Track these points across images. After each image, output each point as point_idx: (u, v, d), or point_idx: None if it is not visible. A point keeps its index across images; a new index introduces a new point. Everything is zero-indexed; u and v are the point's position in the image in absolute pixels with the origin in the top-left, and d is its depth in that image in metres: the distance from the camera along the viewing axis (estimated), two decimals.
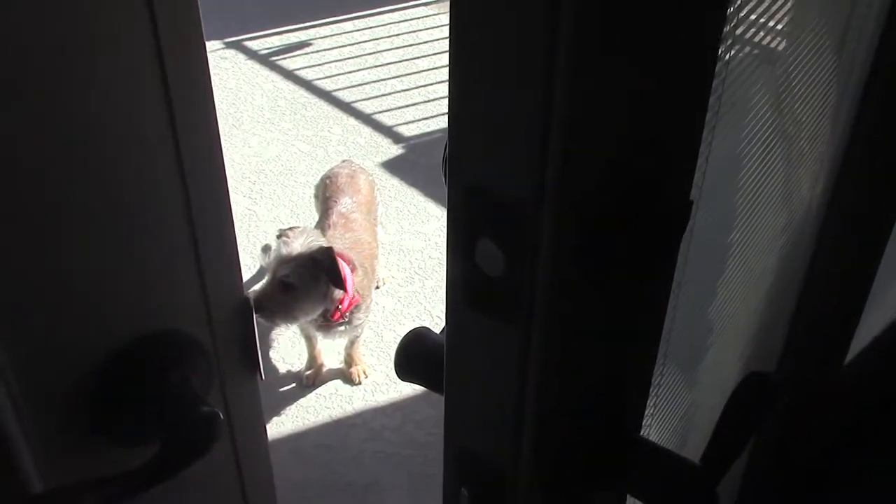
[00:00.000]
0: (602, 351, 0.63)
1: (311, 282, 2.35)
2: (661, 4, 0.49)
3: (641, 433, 1.02)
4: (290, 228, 2.43)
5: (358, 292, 2.50)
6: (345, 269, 2.43)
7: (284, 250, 2.33)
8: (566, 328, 0.57)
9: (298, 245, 2.34)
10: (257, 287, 2.41)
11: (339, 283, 2.36)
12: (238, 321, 0.80)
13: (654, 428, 1.10)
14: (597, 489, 0.69)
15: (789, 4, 0.93)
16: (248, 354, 0.83)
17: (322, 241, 2.42)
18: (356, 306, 2.51)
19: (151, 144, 0.68)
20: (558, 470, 0.65)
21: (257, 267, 3.12)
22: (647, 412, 1.03)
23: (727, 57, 0.78)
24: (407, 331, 0.79)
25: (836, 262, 1.39)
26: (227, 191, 0.74)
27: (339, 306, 2.45)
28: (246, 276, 3.10)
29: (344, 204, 2.69)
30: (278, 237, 2.40)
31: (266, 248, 2.43)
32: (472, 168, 0.52)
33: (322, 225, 2.67)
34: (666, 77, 0.53)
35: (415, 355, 0.76)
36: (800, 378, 1.50)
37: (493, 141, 0.50)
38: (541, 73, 0.45)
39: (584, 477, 0.68)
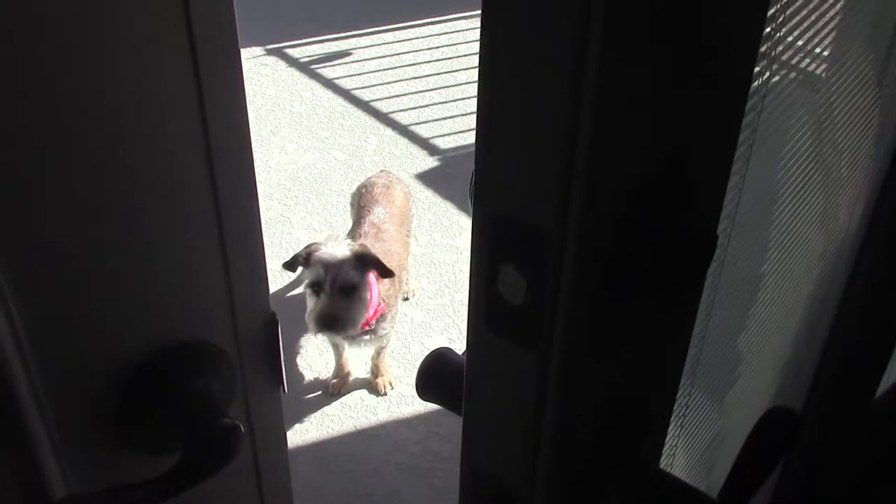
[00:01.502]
0: (621, 381, 0.63)
1: (365, 278, 2.40)
2: (687, 38, 0.49)
3: (667, 458, 1.02)
4: (310, 245, 2.44)
5: (383, 300, 2.51)
6: (370, 278, 2.45)
7: (330, 258, 2.35)
8: (586, 357, 0.57)
9: (340, 252, 2.37)
10: (313, 308, 2.41)
11: (387, 272, 2.40)
12: (263, 334, 0.81)
13: (680, 454, 1.09)
14: None
15: (831, 29, 0.92)
16: (273, 367, 0.84)
17: (353, 244, 2.47)
18: (381, 315, 2.52)
19: (184, 159, 0.69)
20: (572, 497, 0.64)
21: (286, 272, 3.13)
22: (673, 440, 1.02)
23: (763, 91, 0.78)
24: (434, 345, 0.79)
25: (870, 292, 1.37)
26: (258, 203, 0.75)
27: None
28: (279, 282, 3.13)
29: (377, 214, 2.70)
30: (307, 257, 2.40)
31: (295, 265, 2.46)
32: (497, 197, 0.52)
33: (353, 234, 2.69)
34: (693, 109, 0.53)
35: (436, 376, 0.76)
36: (829, 411, 1.47)
37: (519, 171, 0.50)
38: (566, 106, 0.45)
39: None
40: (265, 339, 0.81)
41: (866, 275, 1.31)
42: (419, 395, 0.79)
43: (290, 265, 2.45)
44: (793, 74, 0.96)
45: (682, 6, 0.47)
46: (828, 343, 1.43)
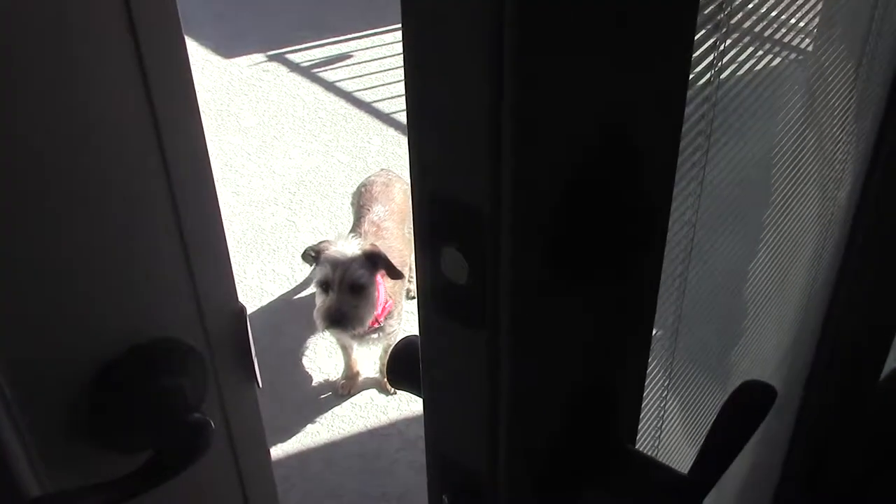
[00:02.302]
0: (576, 358, 0.62)
1: (373, 278, 2.42)
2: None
3: (652, 438, 1.01)
4: (321, 243, 2.46)
5: (390, 297, 2.53)
6: (378, 277, 2.46)
7: (339, 256, 2.36)
8: (534, 335, 0.56)
9: (350, 250, 2.39)
10: (321, 305, 2.43)
11: (396, 273, 2.42)
12: (233, 329, 0.81)
13: (675, 429, 1.07)
14: (580, 499, 0.68)
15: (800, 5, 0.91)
16: (245, 362, 0.84)
17: (363, 243, 2.48)
18: (388, 313, 2.54)
19: (138, 159, 0.69)
20: (537, 480, 0.64)
21: (293, 275, 3.15)
22: (657, 421, 1.01)
23: (718, 65, 0.77)
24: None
25: (867, 272, 1.35)
26: (217, 199, 0.75)
27: None
28: (287, 285, 3.14)
29: (376, 212, 2.71)
30: (316, 255, 2.42)
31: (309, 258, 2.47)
32: (432, 176, 0.52)
33: (354, 233, 2.70)
34: (625, 74, 0.53)
35: (404, 363, 0.76)
36: (832, 395, 1.46)
37: (450, 149, 0.50)
38: (488, 74, 0.45)
39: (566, 487, 0.67)
40: (235, 333, 0.81)
41: (863, 246, 1.30)
42: (390, 384, 0.79)
43: (307, 256, 2.50)
44: (779, 49, 0.95)
45: None
46: (826, 323, 1.42)
